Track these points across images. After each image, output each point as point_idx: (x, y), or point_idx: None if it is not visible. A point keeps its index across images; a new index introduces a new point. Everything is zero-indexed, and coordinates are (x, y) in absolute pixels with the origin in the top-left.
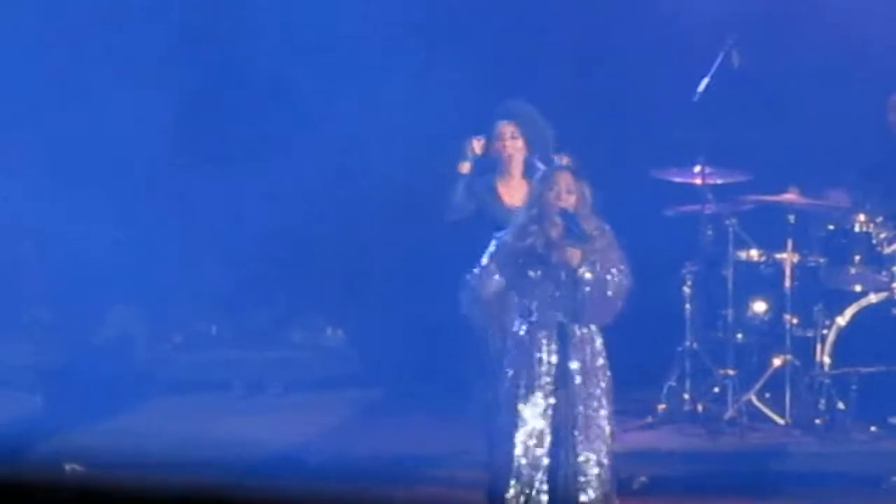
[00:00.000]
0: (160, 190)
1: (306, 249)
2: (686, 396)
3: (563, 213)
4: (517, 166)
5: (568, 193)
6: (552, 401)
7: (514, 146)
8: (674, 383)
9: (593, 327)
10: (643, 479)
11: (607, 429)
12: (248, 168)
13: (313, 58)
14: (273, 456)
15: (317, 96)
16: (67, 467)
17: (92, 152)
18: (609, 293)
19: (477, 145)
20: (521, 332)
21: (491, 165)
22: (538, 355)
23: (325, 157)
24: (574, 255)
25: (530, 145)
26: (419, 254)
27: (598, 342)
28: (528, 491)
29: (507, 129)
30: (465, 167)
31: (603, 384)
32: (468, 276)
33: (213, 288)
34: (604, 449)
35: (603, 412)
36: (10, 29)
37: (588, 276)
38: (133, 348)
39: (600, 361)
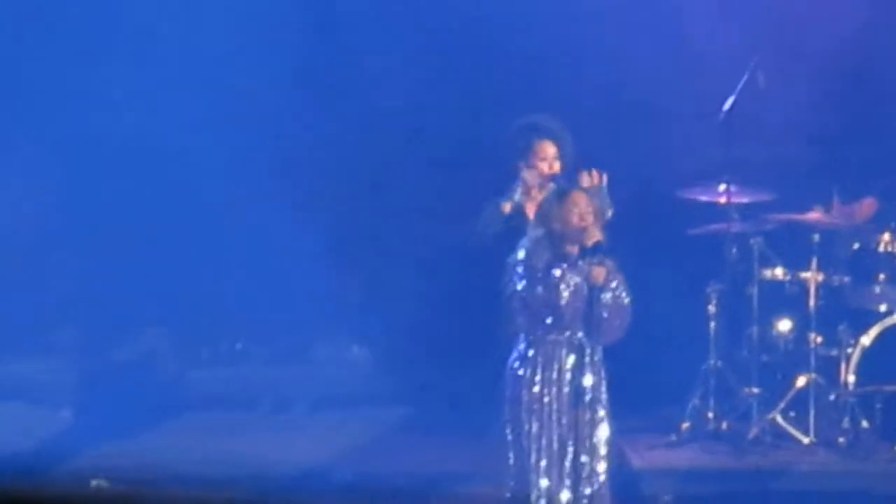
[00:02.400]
0: (186, 206)
1: (332, 267)
2: (710, 415)
3: (585, 232)
4: (547, 186)
5: (587, 212)
6: (566, 417)
7: (554, 168)
8: (698, 402)
9: (601, 343)
10: (667, 497)
11: (611, 446)
12: (272, 182)
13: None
14: (298, 472)
15: (341, 115)
16: (94, 483)
17: (114, 166)
18: (622, 315)
19: (507, 207)
20: (532, 347)
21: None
22: (553, 372)
23: (352, 173)
24: (598, 274)
25: (565, 166)
26: (445, 272)
27: (601, 362)
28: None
29: (550, 149)
30: (507, 208)
31: (606, 401)
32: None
33: (239, 305)
34: (607, 467)
35: (607, 430)
36: None
37: (608, 297)
38: (160, 365)
39: (604, 382)
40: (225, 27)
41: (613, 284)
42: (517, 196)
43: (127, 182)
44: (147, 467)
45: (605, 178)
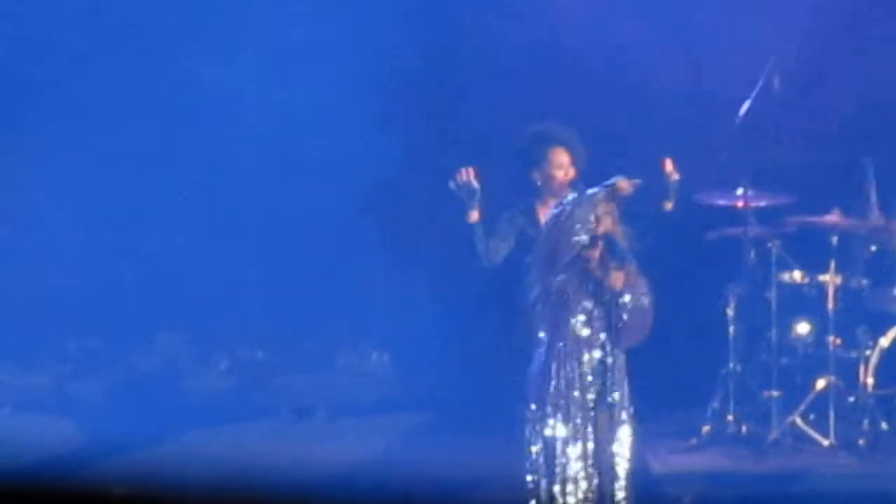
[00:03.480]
0: (207, 212)
1: (351, 274)
2: (730, 418)
3: (605, 237)
4: (562, 194)
5: (605, 216)
6: (586, 420)
7: (567, 175)
8: (718, 405)
9: (621, 346)
10: (687, 500)
11: (632, 450)
12: (294, 190)
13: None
14: (320, 480)
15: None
16: (116, 490)
17: (135, 172)
18: (645, 318)
19: (466, 175)
20: (557, 351)
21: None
22: (573, 375)
23: (369, 179)
24: (618, 278)
25: (579, 172)
26: (464, 277)
27: (624, 365)
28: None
29: (564, 157)
30: (475, 216)
31: (629, 406)
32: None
33: (259, 313)
34: (626, 470)
35: (629, 433)
36: None
37: (628, 300)
38: (179, 374)
39: (626, 385)
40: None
41: (634, 288)
42: (468, 201)
43: (146, 188)
44: (168, 476)
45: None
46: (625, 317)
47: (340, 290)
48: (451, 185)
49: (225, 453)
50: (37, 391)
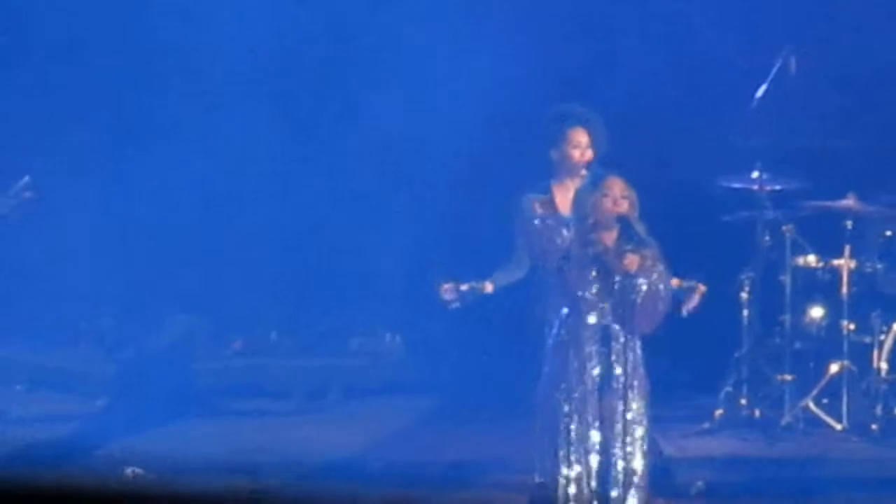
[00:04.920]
0: (219, 197)
1: (365, 256)
2: (743, 402)
3: (620, 219)
4: (580, 175)
5: (622, 199)
6: (594, 404)
7: (586, 155)
8: (731, 389)
9: (637, 330)
10: (700, 484)
11: (645, 436)
12: (306, 172)
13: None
14: (332, 462)
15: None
16: (128, 471)
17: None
18: (659, 303)
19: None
20: (567, 335)
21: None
22: (583, 359)
23: (383, 163)
24: (632, 262)
25: (597, 154)
26: (478, 261)
27: (639, 349)
28: (577, 493)
29: (582, 137)
30: (489, 286)
31: (642, 392)
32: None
33: (272, 295)
34: (639, 455)
35: (641, 420)
36: None
37: (643, 284)
38: (193, 355)
39: (641, 369)
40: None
41: (649, 273)
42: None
43: (162, 168)
44: (181, 456)
45: None
46: (638, 301)
47: (354, 271)
48: (456, 305)
49: (237, 434)
50: (50, 371)
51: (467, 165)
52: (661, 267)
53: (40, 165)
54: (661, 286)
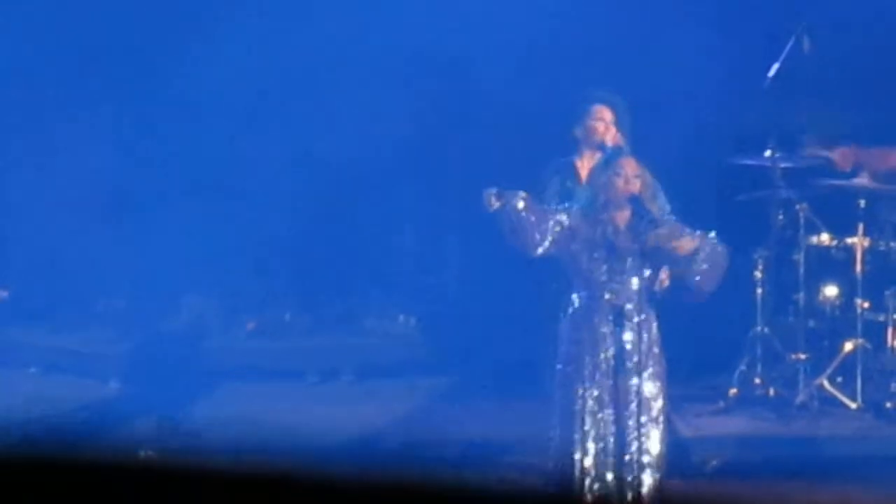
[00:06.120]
0: (231, 176)
1: (378, 236)
2: (758, 381)
3: (632, 199)
4: (599, 151)
5: (634, 178)
6: (609, 384)
7: (609, 131)
8: (745, 368)
9: (651, 314)
10: (715, 462)
11: (660, 416)
12: (319, 152)
13: None
14: (345, 442)
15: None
16: (141, 453)
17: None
18: (719, 265)
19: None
20: (581, 316)
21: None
22: (597, 340)
23: (394, 142)
24: (681, 246)
25: (620, 137)
26: (490, 239)
27: (655, 329)
28: (592, 472)
29: (607, 114)
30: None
31: (657, 371)
32: None
33: (286, 275)
34: (656, 434)
35: (657, 399)
36: None
37: (700, 259)
38: (206, 335)
39: (655, 349)
40: None
41: (696, 251)
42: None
43: (171, 149)
44: (194, 437)
45: None
46: (697, 278)
47: (368, 251)
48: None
49: (250, 415)
50: (63, 352)
51: (483, 146)
52: (685, 241)
53: (53, 144)
54: (709, 252)
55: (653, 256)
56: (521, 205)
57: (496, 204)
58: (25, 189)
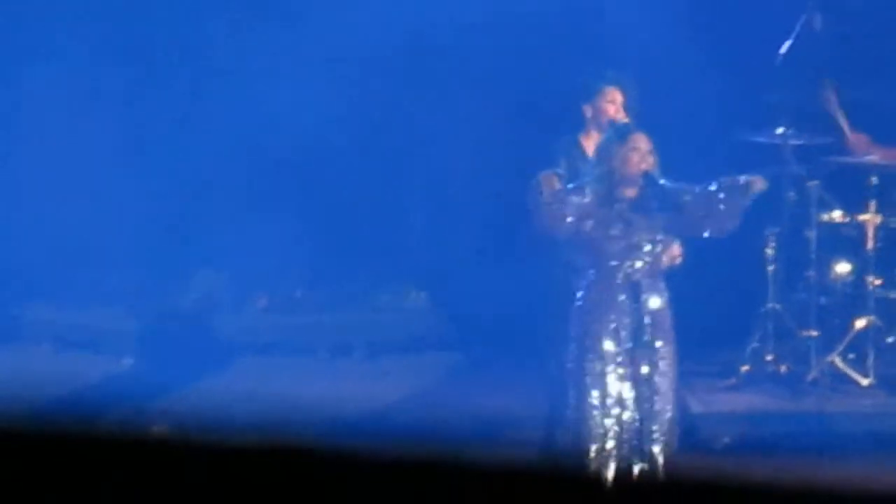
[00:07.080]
0: (244, 152)
1: (391, 212)
2: (769, 358)
3: (645, 175)
4: (607, 130)
5: (648, 154)
6: (621, 360)
7: (619, 112)
8: (757, 345)
9: (663, 290)
10: (726, 438)
11: (671, 392)
12: (329, 127)
13: None
14: (357, 418)
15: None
16: (154, 429)
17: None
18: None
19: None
20: (595, 293)
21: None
22: (610, 317)
23: (408, 123)
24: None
25: (628, 118)
26: (503, 215)
27: (667, 305)
28: (604, 448)
29: (617, 95)
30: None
31: (669, 348)
32: None
33: (298, 251)
34: (668, 410)
35: (668, 375)
36: None
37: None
38: (218, 312)
39: (667, 325)
40: None
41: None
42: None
43: (185, 122)
44: (207, 413)
45: None
46: (711, 232)
47: (379, 227)
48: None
49: (262, 391)
50: (76, 329)
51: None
52: (694, 208)
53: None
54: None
55: (666, 231)
56: (556, 184)
57: (556, 186)
58: (36, 165)
